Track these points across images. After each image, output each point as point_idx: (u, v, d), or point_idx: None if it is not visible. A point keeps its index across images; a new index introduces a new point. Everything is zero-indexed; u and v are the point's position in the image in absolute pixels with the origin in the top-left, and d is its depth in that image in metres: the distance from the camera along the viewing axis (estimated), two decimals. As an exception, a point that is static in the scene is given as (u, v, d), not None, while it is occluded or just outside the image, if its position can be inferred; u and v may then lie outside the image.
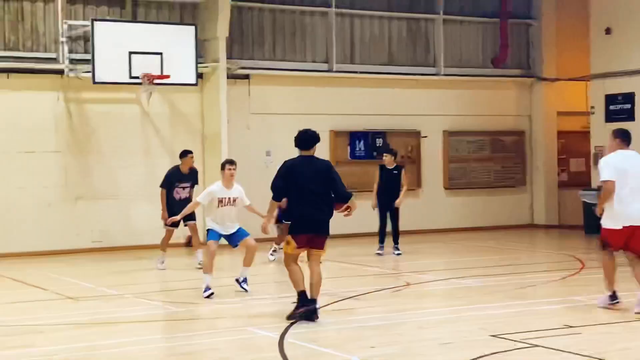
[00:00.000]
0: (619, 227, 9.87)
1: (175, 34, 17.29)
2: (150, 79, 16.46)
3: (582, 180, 22.16)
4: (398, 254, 16.20)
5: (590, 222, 20.02)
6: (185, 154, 14.89)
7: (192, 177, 14.97)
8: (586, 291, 11.61)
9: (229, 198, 12.05)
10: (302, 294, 9.71)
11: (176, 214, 13.30)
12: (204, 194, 12.16)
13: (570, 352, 7.97)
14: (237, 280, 12.16)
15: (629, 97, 19.93)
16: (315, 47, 20.33)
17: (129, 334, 9.59)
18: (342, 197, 9.80)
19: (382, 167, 16.44)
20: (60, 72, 17.50)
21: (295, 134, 10.65)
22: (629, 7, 19.85)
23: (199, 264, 14.16)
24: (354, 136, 20.60)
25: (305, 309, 9.61)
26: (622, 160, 9.98)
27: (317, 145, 10.56)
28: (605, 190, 9.91)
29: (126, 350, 8.68)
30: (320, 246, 9.79)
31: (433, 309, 10.56)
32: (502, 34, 22.03)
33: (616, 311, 10.12)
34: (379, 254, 16.25)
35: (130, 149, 18.34)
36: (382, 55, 21.04)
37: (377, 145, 20.81)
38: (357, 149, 20.64)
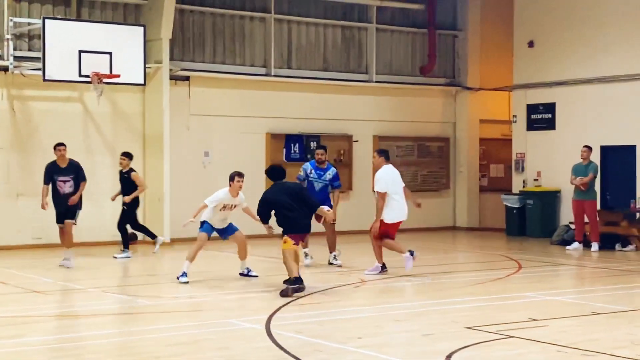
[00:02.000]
0: (394, 221, 13.57)
1: (124, 34, 17.26)
2: (100, 78, 16.39)
3: (501, 185, 23.06)
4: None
5: (511, 225, 20.98)
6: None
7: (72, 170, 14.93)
8: (534, 288, 12.25)
9: (232, 205, 13.05)
10: (297, 278, 11.63)
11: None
12: (214, 200, 12.94)
13: (546, 343, 8.49)
14: (241, 274, 13.33)
15: (550, 107, 20.86)
16: (254, 51, 20.58)
17: (114, 325, 9.72)
18: (311, 209, 12.14)
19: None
20: (4, 69, 17.27)
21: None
22: (551, 21, 20.81)
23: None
24: (290, 139, 20.92)
25: (299, 286, 11.55)
26: (391, 173, 13.65)
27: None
28: (382, 199, 13.36)
29: (119, 340, 8.83)
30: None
31: (399, 304, 10.97)
32: (430, 44, 22.74)
33: (571, 306, 10.73)
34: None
35: (72, 147, 18.02)
36: (318, 61, 21.46)
37: (311, 148, 21.18)
38: (292, 151, 20.95)
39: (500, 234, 21.29)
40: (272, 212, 12.00)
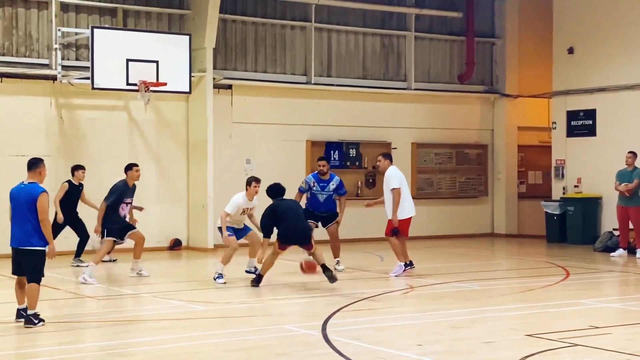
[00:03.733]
0: (406, 217, 14.17)
1: (170, 43, 17.09)
2: (147, 86, 16.24)
3: (539, 192, 22.67)
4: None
5: (552, 232, 20.57)
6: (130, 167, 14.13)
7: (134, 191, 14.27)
8: (587, 295, 11.90)
9: (249, 208, 13.51)
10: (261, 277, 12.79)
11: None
12: (233, 207, 13.24)
13: (613, 351, 8.17)
14: (247, 271, 13.58)
15: (591, 114, 20.46)
16: (294, 59, 20.37)
17: (171, 331, 9.47)
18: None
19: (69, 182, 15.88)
20: (53, 78, 17.19)
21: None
22: (591, 27, 20.40)
23: (138, 273, 13.93)
24: (330, 146, 20.66)
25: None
26: (399, 172, 14.30)
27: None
28: (397, 195, 13.91)
29: (179, 346, 8.59)
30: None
31: (454, 310, 10.65)
32: (468, 51, 22.40)
33: (631, 313, 10.38)
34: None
35: (118, 154, 18.04)
36: (357, 69, 21.20)
37: (351, 155, 20.96)
38: (332, 158, 20.67)
39: (540, 240, 20.88)
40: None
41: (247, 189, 13.34)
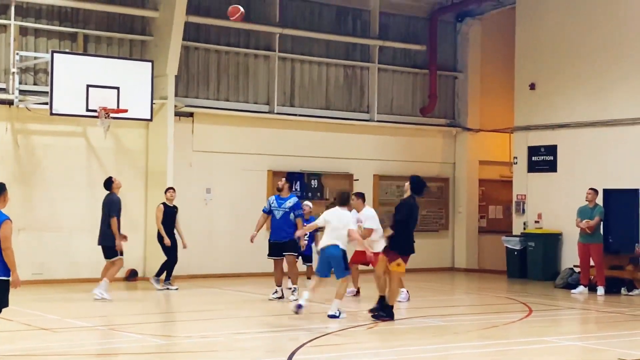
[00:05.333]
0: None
1: (132, 69, 16.99)
2: (107, 113, 16.08)
3: (500, 227, 22.83)
4: (175, 289, 16.45)
5: (512, 267, 20.71)
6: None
7: None
8: (552, 332, 11.93)
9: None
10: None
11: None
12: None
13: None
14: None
15: (552, 149, 20.71)
16: (257, 88, 20.38)
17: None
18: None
19: (165, 204, 16.67)
20: (9, 102, 16.96)
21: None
22: (552, 64, 20.72)
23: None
24: (291, 177, 20.55)
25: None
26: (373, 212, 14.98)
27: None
28: (370, 234, 14.35)
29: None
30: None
31: (420, 346, 10.60)
32: (430, 84, 22.61)
33: (595, 352, 10.44)
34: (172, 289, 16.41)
35: (74, 181, 17.83)
36: (320, 100, 21.27)
37: (312, 186, 20.95)
38: (293, 189, 20.51)
39: (500, 276, 20.99)
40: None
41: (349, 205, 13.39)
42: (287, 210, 15.01)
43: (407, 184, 13.12)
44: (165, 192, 16.81)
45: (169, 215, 16.55)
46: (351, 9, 21.66)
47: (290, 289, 15.04)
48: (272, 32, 20.31)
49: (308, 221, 16.33)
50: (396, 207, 13.03)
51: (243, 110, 20.03)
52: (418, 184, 12.99)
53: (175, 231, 16.70)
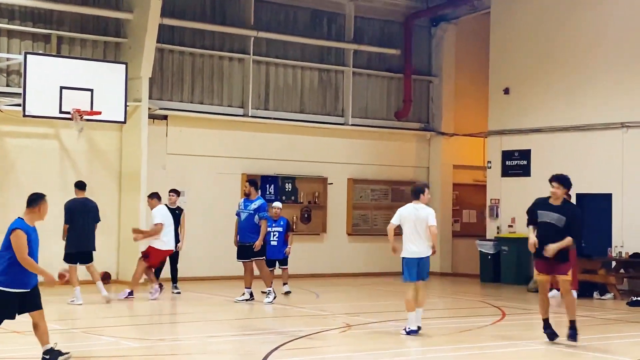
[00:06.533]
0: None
1: (106, 71, 16.92)
2: (81, 115, 15.99)
3: (473, 231, 22.93)
4: (177, 293, 16.23)
5: (486, 271, 20.80)
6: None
7: None
8: (526, 336, 12.00)
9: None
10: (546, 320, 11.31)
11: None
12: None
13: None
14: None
15: (525, 154, 20.84)
16: (231, 91, 20.35)
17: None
18: None
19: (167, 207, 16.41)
20: (-20, 103, 16.81)
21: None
22: (526, 69, 20.86)
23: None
24: (265, 180, 20.60)
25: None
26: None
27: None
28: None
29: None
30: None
31: (394, 350, 10.62)
32: (405, 89, 22.67)
33: (571, 356, 10.51)
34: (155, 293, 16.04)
35: (47, 184, 17.62)
36: (295, 103, 21.27)
37: (287, 189, 20.94)
38: (268, 192, 20.61)
39: (474, 279, 21.08)
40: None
41: (420, 198, 11.88)
42: (251, 212, 15.11)
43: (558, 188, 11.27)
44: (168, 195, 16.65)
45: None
46: (326, 12, 21.69)
47: (264, 292, 15.00)
48: (246, 35, 20.29)
49: (277, 222, 16.36)
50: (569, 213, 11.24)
51: (217, 113, 20.00)
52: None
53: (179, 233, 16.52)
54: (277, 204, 16.84)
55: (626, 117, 18.85)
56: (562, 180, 11.17)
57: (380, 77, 22.60)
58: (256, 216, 15.08)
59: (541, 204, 11.31)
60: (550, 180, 11.20)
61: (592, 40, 19.60)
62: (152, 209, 15.84)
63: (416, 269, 11.69)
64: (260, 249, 15.04)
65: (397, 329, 12.56)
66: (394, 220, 11.97)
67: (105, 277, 18.10)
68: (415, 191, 12.03)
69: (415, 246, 11.68)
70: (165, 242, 15.56)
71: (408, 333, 11.44)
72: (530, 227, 11.33)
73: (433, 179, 23.14)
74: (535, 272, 11.08)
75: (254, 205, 15.14)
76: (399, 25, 22.67)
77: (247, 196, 15.35)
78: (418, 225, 11.63)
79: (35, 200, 8.97)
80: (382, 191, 22.52)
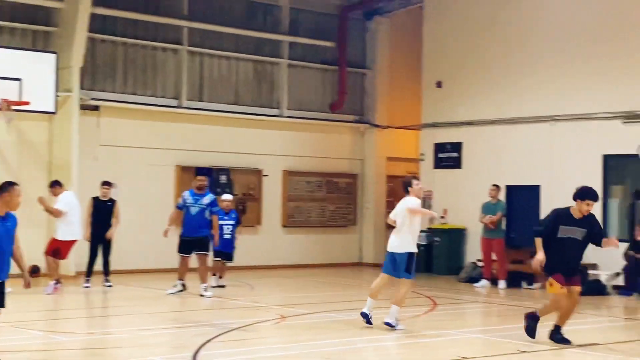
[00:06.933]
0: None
1: (35, 60, 16.58)
2: (9, 105, 15.64)
3: (407, 222, 23.05)
4: (109, 286, 15.97)
5: (418, 261, 20.93)
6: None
7: None
8: (455, 325, 12.14)
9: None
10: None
11: None
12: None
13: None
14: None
15: (457, 146, 21.06)
16: (165, 82, 20.12)
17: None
18: None
19: (96, 199, 16.30)
20: None
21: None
22: (459, 63, 21.06)
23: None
24: (200, 172, 20.23)
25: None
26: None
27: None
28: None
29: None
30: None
31: (327, 340, 10.63)
32: (340, 81, 22.69)
33: (497, 344, 10.66)
34: (86, 287, 15.86)
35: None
36: (229, 94, 21.12)
37: (221, 181, 20.79)
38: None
39: (406, 270, 21.20)
40: None
41: (409, 191, 11.72)
42: (203, 207, 14.86)
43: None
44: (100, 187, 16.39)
45: (101, 210, 16.12)
46: (261, 4, 21.58)
47: (203, 287, 14.77)
48: (180, 25, 20.11)
49: (228, 215, 16.23)
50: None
51: (150, 104, 19.75)
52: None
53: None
54: (228, 196, 16.70)
55: (554, 110, 19.17)
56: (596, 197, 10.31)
57: (315, 69, 22.58)
58: (207, 211, 14.86)
59: (565, 217, 10.24)
60: (587, 198, 10.16)
61: (523, 35, 19.87)
62: (55, 196, 15.45)
63: (391, 264, 11.63)
64: (205, 244, 14.86)
65: (331, 319, 12.62)
66: (392, 215, 11.94)
67: (34, 271, 17.77)
68: (403, 185, 11.92)
69: (395, 239, 11.66)
70: (69, 232, 15.26)
71: (361, 315, 11.55)
72: (539, 239, 10.31)
73: (367, 171, 23.24)
74: (558, 286, 10.09)
75: (206, 200, 14.90)
76: (333, 18, 22.68)
77: (199, 189, 14.97)
78: (402, 219, 11.56)
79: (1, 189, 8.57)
80: (317, 183, 22.53)
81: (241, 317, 12.48)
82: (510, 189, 19.64)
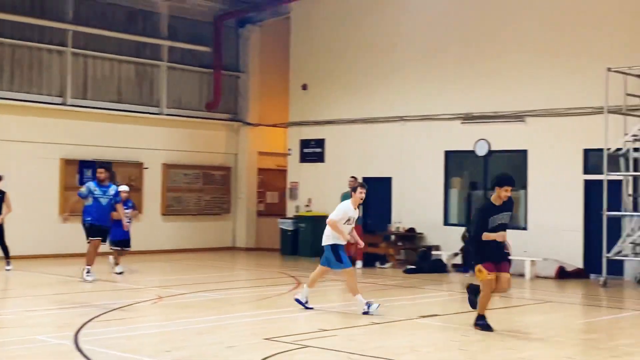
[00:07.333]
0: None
1: None
2: None
3: (276, 210, 23.17)
4: (8, 270, 15.66)
5: (286, 246, 21.10)
6: None
7: None
8: (316, 301, 12.24)
9: (353, 218, 11.60)
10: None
11: None
12: (340, 213, 11.41)
13: (340, 351, 8.46)
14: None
15: (320, 143, 21.28)
16: (51, 81, 19.44)
17: None
18: None
19: None
20: None
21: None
22: (322, 68, 21.28)
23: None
24: (83, 165, 19.86)
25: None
26: None
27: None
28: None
29: None
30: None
31: (200, 318, 10.54)
32: (215, 83, 22.52)
33: (353, 317, 10.84)
34: None
35: None
36: (112, 93, 20.61)
37: (105, 173, 20.24)
38: (86, 176, 19.85)
39: (275, 253, 21.35)
40: None
41: (352, 196, 11.51)
42: (110, 197, 14.66)
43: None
44: None
45: None
46: (142, 10, 21.15)
47: (85, 269, 14.37)
48: (65, 29, 19.47)
49: (126, 204, 15.83)
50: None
51: (37, 101, 19.06)
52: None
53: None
54: (125, 187, 16.26)
55: (404, 112, 19.64)
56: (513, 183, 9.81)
57: (193, 72, 22.31)
58: (113, 200, 14.67)
59: (490, 209, 9.64)
60: (505, 184, 9.60)
61: (380, 45, 20.22)
62: None
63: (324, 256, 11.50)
64: (108, 233, 14.71)
65: (205, 298, 12.53)
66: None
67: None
68: (350, 191, 11.68)
69: (324, 233, 11.65)
70: None
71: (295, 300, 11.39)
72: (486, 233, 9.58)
73: (240, 164, 23.17)
74: (485, 272, 9.51)
75: (112, 191, 14.67)
76: (209, 26, 22.47)
77: (101, 181, 14.63)
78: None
79: None
80: (194, 175, 22.29)
81: (122, 298, 12.22)
82: (366, 180, 19.91)
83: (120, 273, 15.46)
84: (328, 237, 11.43)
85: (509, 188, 9.60)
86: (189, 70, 22.18)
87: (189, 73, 22.21)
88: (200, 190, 22.43)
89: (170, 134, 21.66)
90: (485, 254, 9.57)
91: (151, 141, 21.22)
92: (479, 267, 9.56)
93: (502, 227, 9.61)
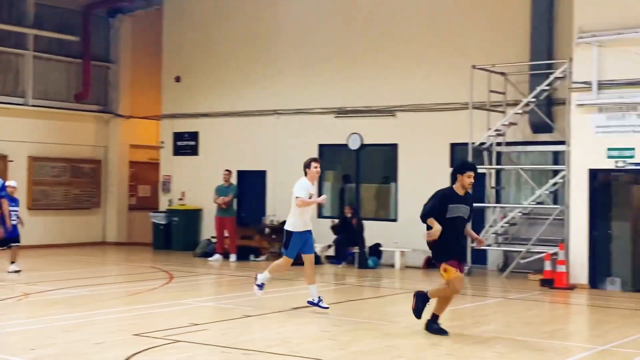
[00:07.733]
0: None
1: None
2: None
3: (148, 204, 22.76)
4: None
5: (158, 240, 20.78)
6: None
7: None
8: (189, 295, 12.15)
9: (312, 194, 10.66)
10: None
11: None
12: (303, 191, 10.47)
13: (211, 345, 8.41)
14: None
15: (194, 135, 21.05)
16: None
17: None
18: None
19: None
20: None
21: None
22: (196, 60, 21.04)
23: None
24: (-58, 157, 18.87)
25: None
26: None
27: None
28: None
29: None
30: None
31: (66, 315, 10.22)
32: (84, 73, 21.85)
33: (225, 311, 10.79)
34: None
35: None
36: (-26, 83, 19.67)
37: (-34, 166, 19.33)
38: (-55, 169, 18.90)
39: (148, 248, 20.97)
40: None
41: (306, 173, 10.68)
42: None
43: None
44: None
45: None
46: (6, -3, 20.28)
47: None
48: None
49: (13, 200, 15.04)
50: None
51: None
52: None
53: None
54: (13, 182, 15.44)
55: (278, 105, 19.70)
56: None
57: (60, 62, 21.56)
58: None
59: (450, 196, 8.95)
60: (467, 170, 8.99)
61: (255, 38, 20.16)
62: None
63: None
64: None
65: (72, 295, 12.16)
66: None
67: None
68: (303, 166, 10.88)
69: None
70: None
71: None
72: (432, 219, 8.89)
73: (111, 157, 22.60)
74: (452, 270, 8.90)
75: None
76: (78, 14, 21.77)
77: None
78: (292, 199, 10.73)
79: None
80: (62, 168, 21.58)
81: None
82: (241, 173, 19.97)
83: (17, 271, 14.78)
84: (290, 224, 10.79)
85: (472, 173, 8.95)
86: (56, 60, 21.43)
87: (56, 63, 21.45)
88: (68, 184, 21.74)
89: (37, 125, 20.88)
90: (448, 251, 8.93)
91: (16, 133, 20.40)
92: (444, 266, 8.94)
93: (461, 221, 8.98)
